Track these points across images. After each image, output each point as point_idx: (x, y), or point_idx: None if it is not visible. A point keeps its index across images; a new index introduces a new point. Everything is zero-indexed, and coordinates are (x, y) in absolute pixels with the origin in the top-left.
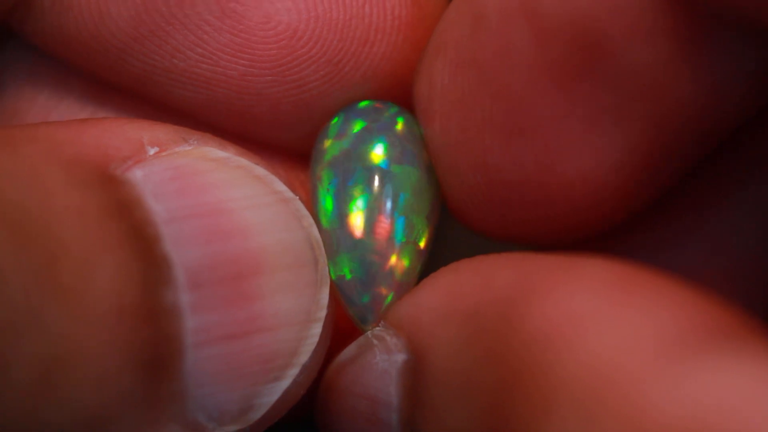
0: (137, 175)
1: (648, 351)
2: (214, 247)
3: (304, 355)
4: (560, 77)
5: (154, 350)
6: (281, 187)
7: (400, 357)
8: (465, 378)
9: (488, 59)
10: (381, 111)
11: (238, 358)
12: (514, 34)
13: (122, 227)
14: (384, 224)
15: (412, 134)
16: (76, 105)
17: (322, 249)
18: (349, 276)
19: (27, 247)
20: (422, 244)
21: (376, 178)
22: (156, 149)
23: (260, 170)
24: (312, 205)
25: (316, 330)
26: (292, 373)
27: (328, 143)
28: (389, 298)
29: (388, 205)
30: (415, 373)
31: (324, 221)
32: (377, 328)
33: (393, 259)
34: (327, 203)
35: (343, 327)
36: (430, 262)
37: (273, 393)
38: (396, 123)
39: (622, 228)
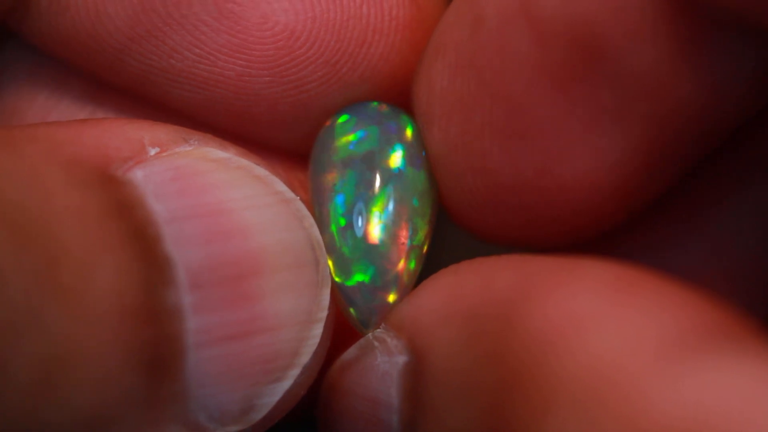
0: (138, 175)
1: (648, 352)
2: (215, 247)
3: (305, 355)
4: (560, 79)
5: (155, 350)
6: (282, 187)
7: (401, 359)
8: (465, 379)
9: (488, 61)
10: (393, 114)
11: (239, 359)
12: (514, 36)
13: (123, 227)
14: (400, 229)
15: (419, 138)
16: (75, 105)
17: (323, 249)
18: (360, 279)
19: (27, 247)
20: (425, 248)
21: (392, 181)
22: (157, 149)
23: (261, 171)
24: (313, 205)
25: (317, 330)
26: (293, 373)
27: (337, 143)
28: (393, 302)
29: (403, 209)
30: (416, 374)
31: (333, 223)
32: (378, 330)
33: (401, 263)
34: (337, 205)
35: (344, 328)
36: (431, 263)
37: (274, 393)
38: (407, 126)
39: (622, 229)
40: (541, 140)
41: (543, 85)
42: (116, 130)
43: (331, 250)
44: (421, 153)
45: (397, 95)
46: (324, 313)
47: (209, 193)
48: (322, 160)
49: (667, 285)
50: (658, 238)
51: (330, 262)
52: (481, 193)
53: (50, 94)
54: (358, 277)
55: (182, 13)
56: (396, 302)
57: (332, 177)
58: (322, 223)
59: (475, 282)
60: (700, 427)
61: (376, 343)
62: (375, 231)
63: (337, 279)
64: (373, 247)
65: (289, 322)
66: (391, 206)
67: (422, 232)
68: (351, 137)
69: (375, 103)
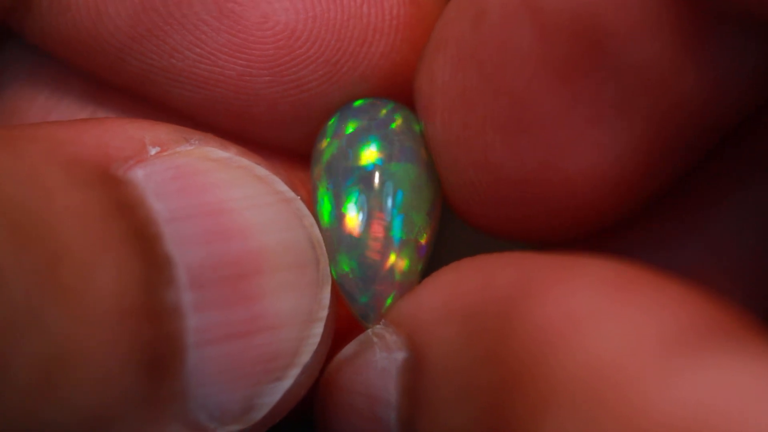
0: (139, 174)
1: (648, 350)
2: (216, 246)
3: (306, 354)
4: (563, 73)
5: (156, 350)
6: (282, 187)
7: (400, 355)
8: (464, 377)
9: (490, 55)
10: (377, 108)
11: (240, 358)
12: (517, 29)
13: (123, 227)
14: (381, 222)
15: (411, 131)
16: (76, 105)
17: (324, 249)
18: (350, 275)
19: (27, 247)
20: (423, 241)
21: (372, 176)
22: (157, 149)
23: (262, 170)
24: (313, 204)
25: (318, 330)
26: (294, 372)
27: (325, 143)
28: (391, 296)
29: (386, 203)
30: (415, 371)
31: (323, 221)
32: (377, 326)
33: (393, 257)
34: (326, 203)
35: (342, 326)
36: (433, 260)
37: (275, 393)
38: (393, 120)
39: (623, 227)
40: (544, 134)
41: (545, 78)
42: (117, 130)
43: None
44: (413, 145)
45: (398, 93)
46: (325, 312)
47: (210, 193)
48: (314, 160)
49: (666, 283)
50: (659, 237)
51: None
52: (483, 187)
53: (50, 94)
54: (346, 270)
55: (183, 12)
56: (395, 297)
57: (319, 175)
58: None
59: (475, 280)
60: (699, 426)
61: (375, 339)
62: (355, 225)
63: (334, 275)
64: (356, 241)
65: (290, 322)
66: (373, 200)
67: (418, 226)
68: (335, 136)
69: (359, 101)
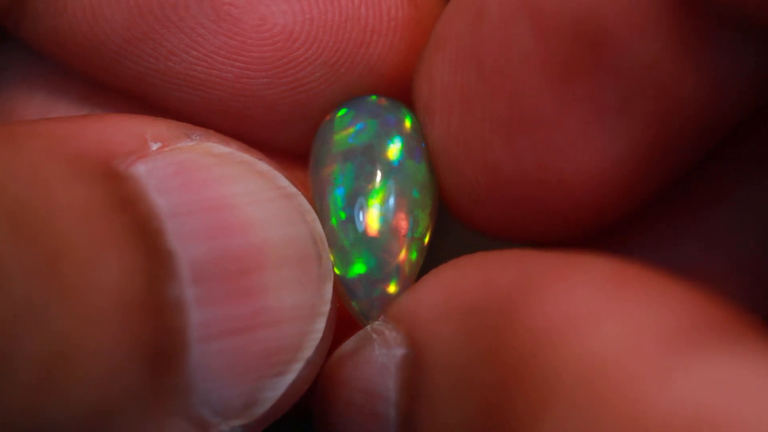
0: (140, 170)
1: (647, 348)
2: (218, 242)
3: (309, 349)
4: (562, 73)
5: (158, 345)
6: (284, 182)
7: (399, 351)
8: (463, 374)
9: (489, 55)
10: (391, 107)
11: (243, 353)
12: (516, 29)
13: (125, 222)
14: (400, 221)
15: (418, 130)
16: (73, 106)
17: (326, 244)
18: (360, 271)
19: (29, 243)
20: (426, 240)
21: (392, 174)
22: (159, 144)
23: (263, 166)
24: (314, 199)
25: (321, 325)
26: (297, 367)
27: (336, 137)
28: (395, 294)
29: (402, 201)
30: (414, 367)
31: (333, 216)
32: (377, 323)
33: (402, 255)
34: (337, 198)
35: (344, 322)
36: (429, 258)
37: (277, 388)
38: (405, 119)
39: (622, 226)
40: (543, 134)
41: (545, 79)
42: (118, 125)
43: (332, 243)
44: (420, 145)
45: (396, 94)
46: (327, 308)
47: (211, 188)
48: (322, 153)
49: (666, 281)
50: (659, 236)
51: (331, 256)
52: (482, 187)
53: (47, 96)
54: (358, 269)
55: (180, 15)
56: (397, 294)
57: (332, 170)
58: (322, 216)
59: (475, 277)
60: (698, 424)
61: (374, 335)
62: (375, 223)
63: (337, 271)
64: (373, 239)
65: (293, 317)
66: (391, 198)
67: (423, 224)
68: (350, 130)
69: (373, 97)
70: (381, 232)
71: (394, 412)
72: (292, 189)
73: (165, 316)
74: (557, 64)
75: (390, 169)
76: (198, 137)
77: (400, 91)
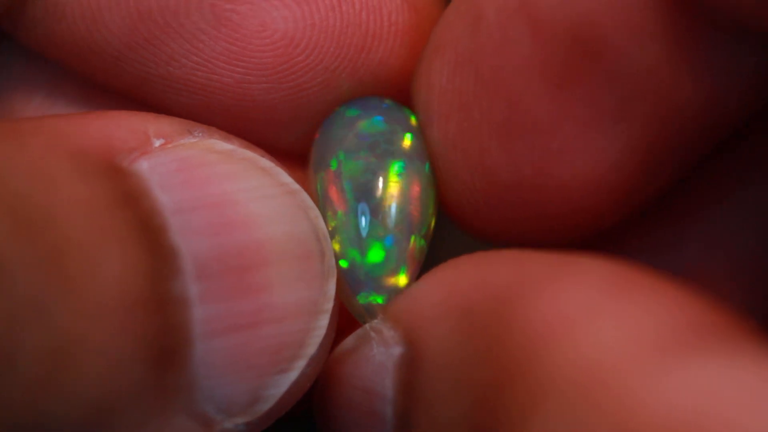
0: (143, 166)
1: (641, 350)
2: (221, 238)
3: (312, 346)
4: (559, 78)
5: (162, 341)
6: (287, 179)
7: (397, 350)
8: (459, 373)
9: (487, 60)
10: (396, 106)
11: (246, 349)
12: (513, 34)
13: (129, 218)
14: (404, 218)
15: (421, 133)
16: (72, 107)
17: (329, 240)
18: (374, 268)
19: (32, 239)
20: (427, 240)
21: (397, 170)
22: (162, 141)
23: (266, 162)
24: (317, 195)
25: (324, 321)
26: (300, 364)
27: (343, 132)
28: (400, 288)
29: (407, 199)
30: (411, 366)
31: (339, 211)
32: (375, 321)
33: (409, 251)
34: (344, 192)
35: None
36: (429, 258)
37: (281, 385)
38: (411, 117)
39: (620, 228)
40: (540, 139)
41: (542, 83)
42: (121, 122)
43: (342, 233)
44: (423, 146)
45: (396, 97)
46: (330, 304)
47: (214, 184)
48: (328, 148)
49: (662, 283)
50: (658, 238)
51: (336, 245)
52: (480, 192)
53: (46, 96)
54: (373, 256)
55: (180, 21)
56: (401, 290)
57: (339, 164)
58: (330, 210)
59: (472, 277)
60: (690, 426)
61: (372, 334)
62: (379, 219)
63: (344, 264)
64: (377, 235)
65: (296, 313)
66: (396, 195)
67: (425, 223)
68: (357, 125)
69: (378, 98)
70: (384, 228)
71: (392, 411)
72: (295, 186)
73: (168, 312)
74: (554, 69)
75: (395, 166)
76: (200, 134)
77: (400, 95)
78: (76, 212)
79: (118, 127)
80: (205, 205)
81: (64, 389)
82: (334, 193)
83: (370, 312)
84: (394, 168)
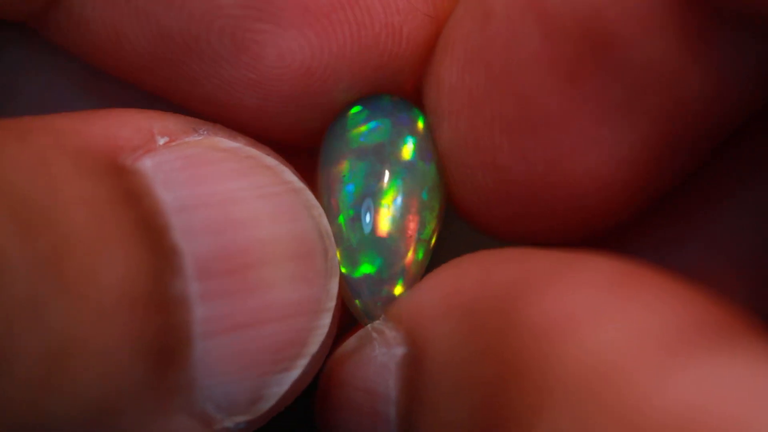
0: (147, 164)
1: (647, 348)
2: (224, 236)
3: (314, 345)
4: (569, 73)
5: (162, 341)
6: (291, 177)
7: (399, 350)
8: (462, 373)
9: (497, 57)
10: (404, 107)
11: (248, 348)
12: (523, 30)
13: (131, 217)
14: (408, 222)
15: (429, 132)
16: (74, 94)
17: (332, 239)
18: (367, 271)
19: (32, 237)
20: (432, 243)
21: (402, 174)
22: (166, 139)
23: (270, 160)
24: (322, 196)
25: (326, 320)
26: (302, 363)
27: (349, 134)
28: (400, 295)
29: (411, 202)
30: (414, 366)
31: (341, 214)
32: (377, 322)
33: (409, 256)
34: (346, 196)
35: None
36: (434, 258)
37: (282, 383)
38: (418, 119)
39: (624, 226)
40: (551, 135)
41: (552, 79)
42: (125, 120)
43: (339, 241)
44: (431, 147)
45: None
46: (332, 303)
47: (218, 183)
48: (333, 150)
49: (667, 281)
50: (660, 237)
51: (337, 253)
52: (491, 189)
53: (48, 83)
54: (365, 269)
55: (201, 47)
56: (402, 296)
57: (342, 167)
58: (330, 213)
59: (475, 276)
60: (695, 424)
61: (374, 335)
62: (383, 223)
63: (343, 270)
64: (381, 239)
65: (298, 312)
66: (400, 199)
67: (430, 226)
68: (362, 128)
69: (388, 96)
70: (389, 232)
71: (395, 411)
72: (299, 184)
73: (169, 311)
74: (564, 64)
75: (400, 170)
76: (205, 132)
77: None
78: (78, 211)
79: (123, 125)
80: (208, 204)
81: (64, 389)
82: (333, 197)
83: (371, 313)
84: (397, 173)
